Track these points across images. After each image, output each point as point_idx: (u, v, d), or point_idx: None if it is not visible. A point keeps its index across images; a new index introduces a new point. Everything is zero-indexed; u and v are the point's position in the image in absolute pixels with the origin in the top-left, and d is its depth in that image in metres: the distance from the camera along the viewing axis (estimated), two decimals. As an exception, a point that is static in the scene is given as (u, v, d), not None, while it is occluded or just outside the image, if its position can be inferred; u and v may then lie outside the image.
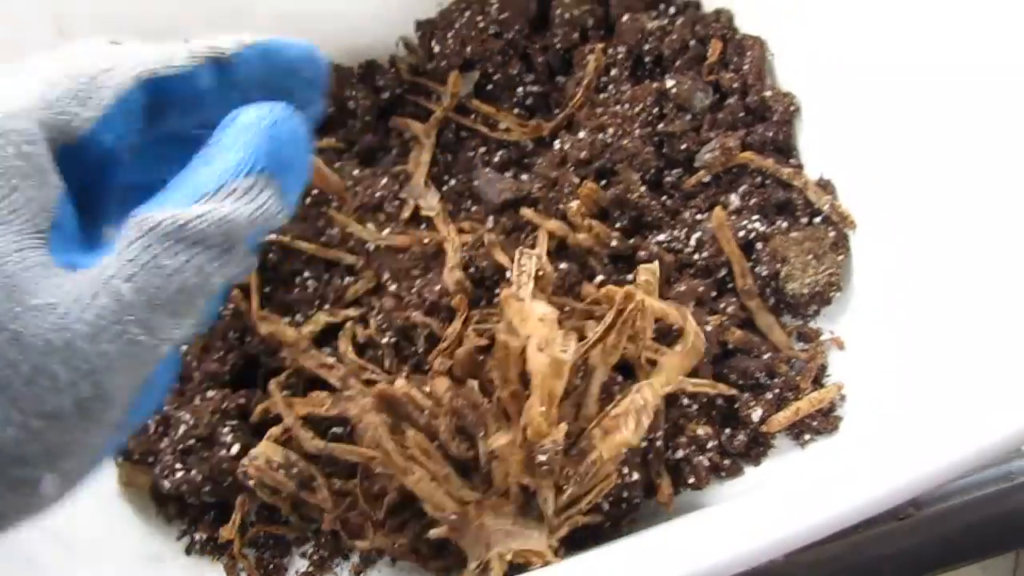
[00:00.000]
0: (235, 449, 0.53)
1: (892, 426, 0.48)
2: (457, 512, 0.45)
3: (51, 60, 0.27)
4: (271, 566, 0.54)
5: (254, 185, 0.25)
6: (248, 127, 0.26)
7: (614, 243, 0.54)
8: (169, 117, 0.28)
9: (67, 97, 0.25)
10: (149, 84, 0.27)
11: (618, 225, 0.55)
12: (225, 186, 0.25)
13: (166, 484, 0.52)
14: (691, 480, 0.51)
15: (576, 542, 0.49)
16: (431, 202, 0.55)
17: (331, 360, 0.54)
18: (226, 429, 0.53)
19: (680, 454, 0.51)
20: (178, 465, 0.52)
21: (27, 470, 0.23)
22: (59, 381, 0.23)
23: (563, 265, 0.54)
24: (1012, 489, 0.43)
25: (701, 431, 0.51)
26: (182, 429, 0.53)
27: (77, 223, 0.26)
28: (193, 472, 0.52)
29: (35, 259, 0.23)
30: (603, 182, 0.57)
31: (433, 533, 0.45)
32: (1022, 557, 0.57)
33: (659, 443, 0.50)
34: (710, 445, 0.51)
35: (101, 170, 0.27)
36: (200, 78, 0.28)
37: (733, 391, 0.52)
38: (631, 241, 0.55)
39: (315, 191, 0.57)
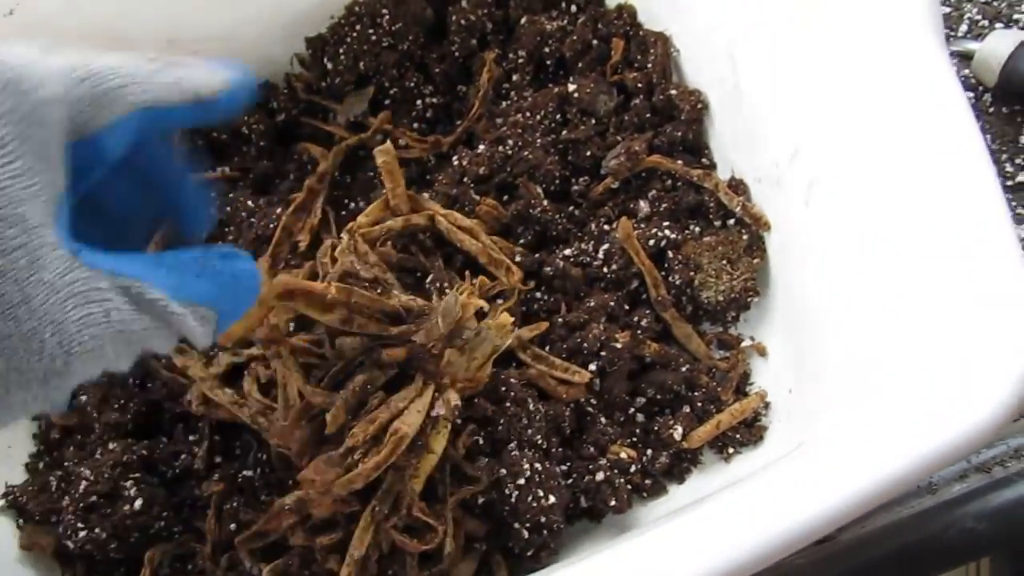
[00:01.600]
0: (139, 503, 0.50)
1: (820, 441, 0.46)
2: None
3: (66, 55, 0.30)
4: (187, 616, 0.52)
5: (206, 316, 0.32)
6: (246, 283, 0.34)
7: (518, 259, 0.52)
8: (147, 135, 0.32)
9: (88, 98, 0.29)
10: (149, 109, 0.31)
11: (522, 241, 0.53)
12: (201, 305, 0.32)
13: (70, 544, 0.50)
14: (612, 503, 0.48)
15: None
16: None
17: (238, 398, 0.52)
18: (129, 483, 0.50)
19: (601, 476, 0.49)
20: (80, 524, 0.50)
21: None
22: (44, 347, 0.27)
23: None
24: (933, 510, 0.41)
25: (624, 455, 0.49)
26: (83, 485, 0.50)
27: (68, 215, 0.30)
28: (97, 530, 0.50)
29: (49, 237, 0.27)
30: (505, 197, 0.54)
31: None
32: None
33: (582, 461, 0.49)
34: (632, 469, 0.49)
35: (84, 173, 0.30)
36: (186, 111, 0.32)
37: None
38: (536, 256, 0.53)
39: None
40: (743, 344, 0.53)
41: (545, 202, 0.53)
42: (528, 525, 0.46)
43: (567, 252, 0.53)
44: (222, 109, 0.33)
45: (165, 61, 0.32)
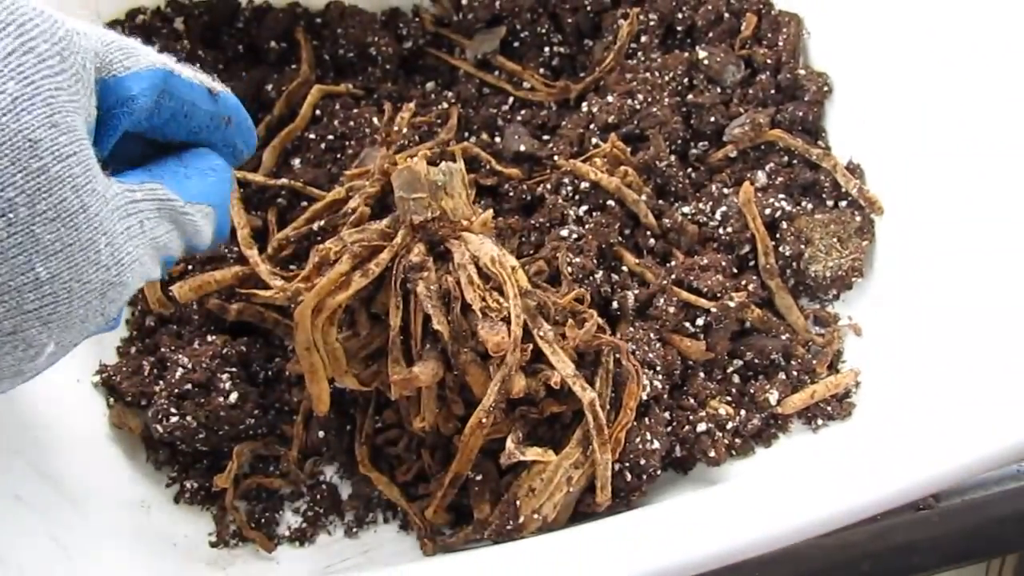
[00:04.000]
0: (233, 397, 0.50)
1: (910, 419, 0.48)
2: None
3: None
4: (262, 519, 0.52)
5: (207, 213, 0.35)
6: (223, 175, 0.37)
7: (644, 198, 0.53)
8: (167, 115, 0.34)
9: (117, 47, 0.31)
10: (167, 75, 0.33)
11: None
12: (202, 203, 0.35)
13: (159, 429, 0.50)
14: (711, 454, 0.49)
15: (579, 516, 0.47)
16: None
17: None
18: (225, 376, 0.51)
19: (703, 427, 0.50)
20: (173, 410, 0.50)
21: (42, 334, 0.27)
22: (100, 257, 0.28)
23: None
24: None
25: (723, 410, 0.50)
26: (179, 372, 0.50)
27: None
28: (188, 418, 0.50)
29: (91, 152, 0.29)
30: (628, 149, 0.55)
31: None
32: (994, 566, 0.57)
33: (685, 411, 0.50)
34: (729, 425, 0.50)
35: (112, 118, 0.32)
36: (197, 95, 0.35)
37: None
38: (659, 201, 0.54)
39: None
40: (840, 323, 0.55)
41: (672, 157, 0.54)
42: (628, 465, 0.47)
43: (685, 209, 0.54)
44: (221, 105, 0.37)
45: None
